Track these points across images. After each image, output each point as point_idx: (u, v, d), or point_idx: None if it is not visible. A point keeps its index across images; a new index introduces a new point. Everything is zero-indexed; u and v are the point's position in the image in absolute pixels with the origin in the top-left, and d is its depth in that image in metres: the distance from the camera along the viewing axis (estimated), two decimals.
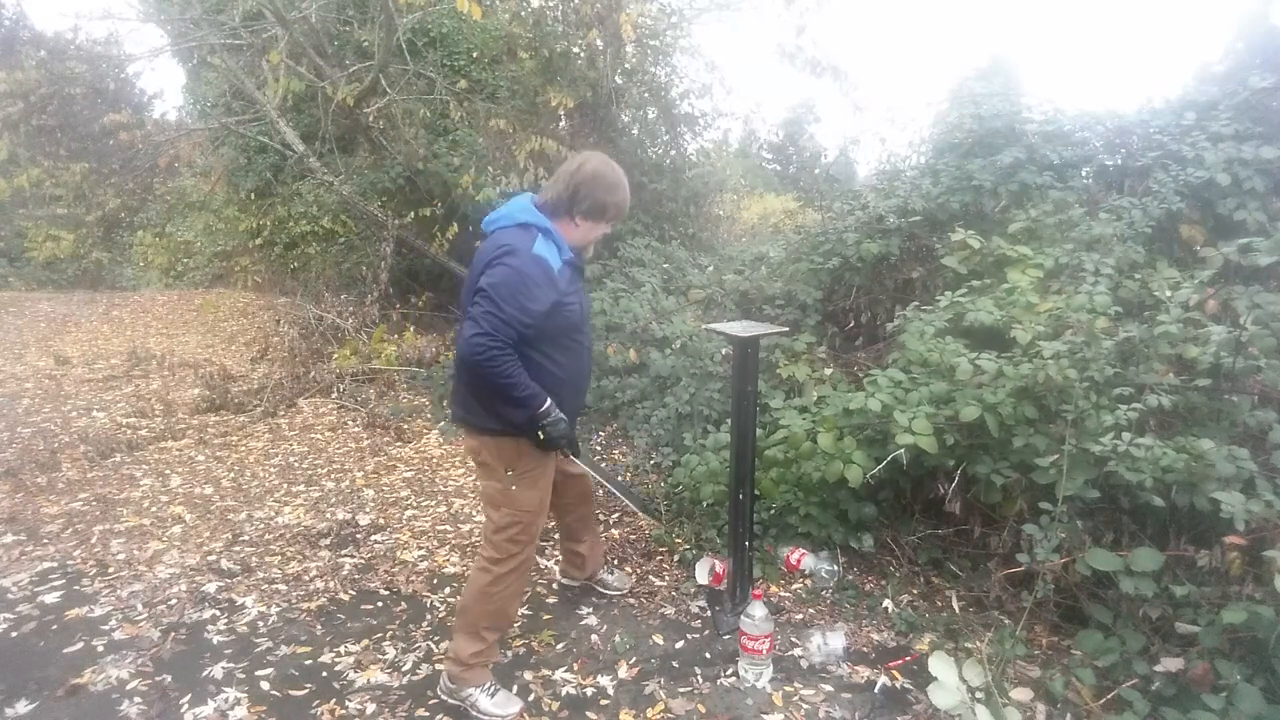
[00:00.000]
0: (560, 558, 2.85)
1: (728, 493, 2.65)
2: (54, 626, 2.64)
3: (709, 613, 2.66)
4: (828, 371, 3.59)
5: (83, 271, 13.27)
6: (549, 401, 1.98)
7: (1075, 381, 2.25)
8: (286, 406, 5.49)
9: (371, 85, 6.17)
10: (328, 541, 3.34)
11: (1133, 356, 2.48)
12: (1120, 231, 3.08)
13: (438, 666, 2.41)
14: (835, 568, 2.78)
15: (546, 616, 2.70)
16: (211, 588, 2.90)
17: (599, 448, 4.46)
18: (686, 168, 7.39)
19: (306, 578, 3.01)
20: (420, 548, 3.28)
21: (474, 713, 2.15)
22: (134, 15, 6.71)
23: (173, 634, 2.59)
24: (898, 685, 2.27)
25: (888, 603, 2.67)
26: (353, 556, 3.20)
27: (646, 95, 7.31)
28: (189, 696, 2.26)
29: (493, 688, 2.18)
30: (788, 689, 2.25)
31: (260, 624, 2.67)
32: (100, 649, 2.50)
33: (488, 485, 2.14)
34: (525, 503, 2.11)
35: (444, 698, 2.22)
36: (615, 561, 3.09)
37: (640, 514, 2.63)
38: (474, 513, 3.67)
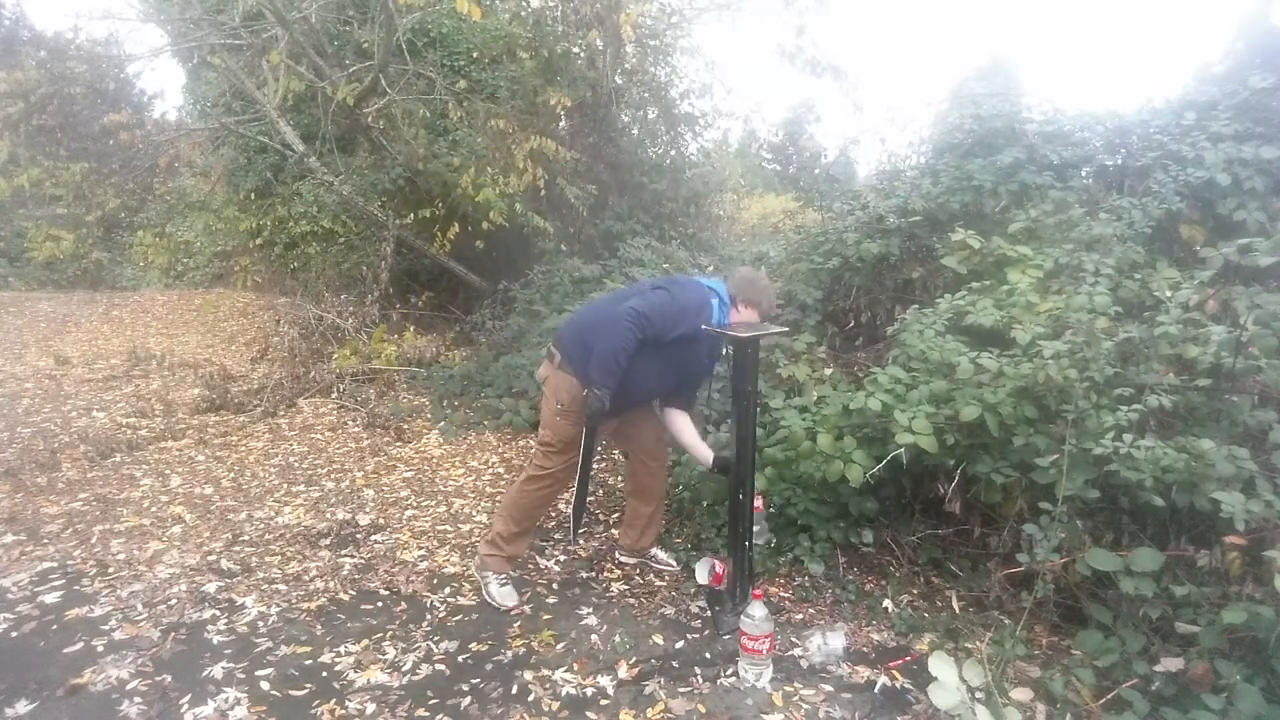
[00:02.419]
0: (625, 518, 3.12)
1: (728, 493, 2.65)
2: (54, 626, 2.64)
3: (709, 613, 2.66)
4: (828, 371, 3.59)
5: (83, 271, 13.25)
6: (609, 389, 2.46)
7: (1075, 381, 2.25)
8: (286, 406, 5.49)
9: (371, 85, 6.17)
10: (328, 541, 3.34)
11: (1133, 356, 2.48)
12: (1120, 231, 3.08)
13: (438, 666, 2.42)
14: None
15: (546, 616, 2.70)
16: (211, 588, 2.90)
17: (599, 447, 4.47)
18: (686, 168, 7.39)
19: (306, 578, 3.00)
20: (420, 548, 3.28)
21: (484, 591, 2.79)
22: (134, 15, 6.71)
23: (173, 634, 2.58)
24: (898, 685, 2.27)
25: (888, 603, 2.67)
26: (353, 556, 3.20)
27: (646, 95, 7.32)
28: (189, 696, 2.25)
29: (504, 579, 2.78)
30: (788, 689, 2.25)
31: (260, 624, 2.66)
32: (100, 649, 2.49)
33: (544, 408, 2.71)
34: (562, 432, 2.63)
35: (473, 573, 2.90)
36: (616, 562, 3.10)
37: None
38: (474, 513, 3.67)
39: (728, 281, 2.70)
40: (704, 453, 2.70)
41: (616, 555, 3.09)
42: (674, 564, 3.02)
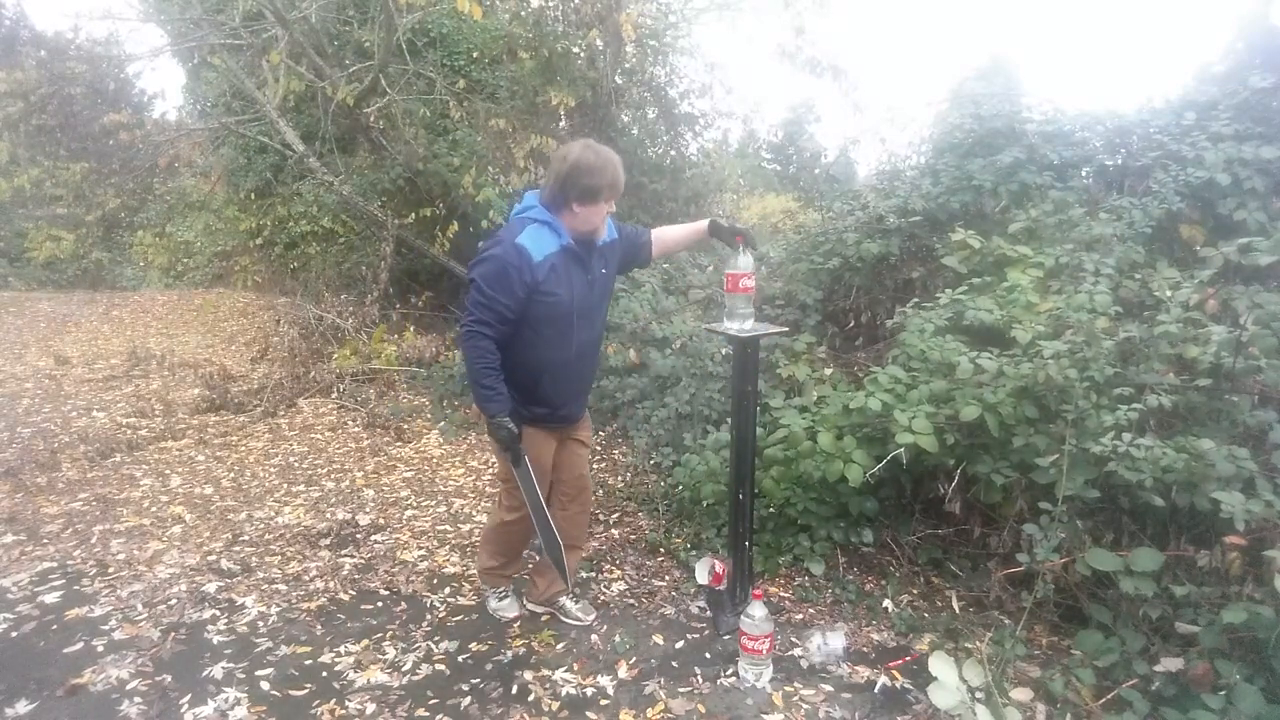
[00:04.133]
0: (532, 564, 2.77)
1: (728, 492, 2.65)
2: (54, 626, 2.64)
3: (709, 613, 2.66)
4: (828, 371, 3.59)
5: (83, 271, 13.25)
6: (501, 407, 2.16)
7: (1075, 381, 2.25)
8: (286, 406, 5.49)
9: (371, 85, 6.18)
10: (328, 541, 3.34)
11: (1133, 356, 2.47)
12: (1120, 231, 3.08)
13: (438, 666, 2.42)
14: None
15: (546, 617, 2.70)
16: (211, 588, 2.90)
17: (599, 447, 4.46)
18: (686, 168, 7.39)
19: (306, 578, 3.00)
20: (420, 548, 3.28)
21: (487, 604, 2.71)
22: (134, 15, 6.72)
23: (173, 634, 2.59)
24: (898, 685, 2.27)
25: (888, 603, 2.66)
26: (353, 556, 3.20)
27: (646, 95, 7.32)
28: (189, 696, 2.25)
29: (503, 593, 2.71)
30: (788, 689, 2.25)
31: (260, 624, 2.66)
32: (100, 649, 2.50)
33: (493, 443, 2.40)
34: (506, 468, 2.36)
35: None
36: (616, 562, 3.10)
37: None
38: (474, 513, 3.67)
39: (542, 187, 2.20)
40: (696, 226, 2.45)
41: (525, 603, 2.73)
42: (585, 619, 2.64)
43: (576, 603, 2.69)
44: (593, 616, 2.67)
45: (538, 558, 2.68)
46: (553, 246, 2.12)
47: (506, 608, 2.69)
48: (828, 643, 2.41)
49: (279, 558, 3.18)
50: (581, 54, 6.52)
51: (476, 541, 3.32)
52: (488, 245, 2.14)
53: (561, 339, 2.21)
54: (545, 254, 2.10)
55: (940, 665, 1.37)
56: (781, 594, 2.78)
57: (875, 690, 2.25)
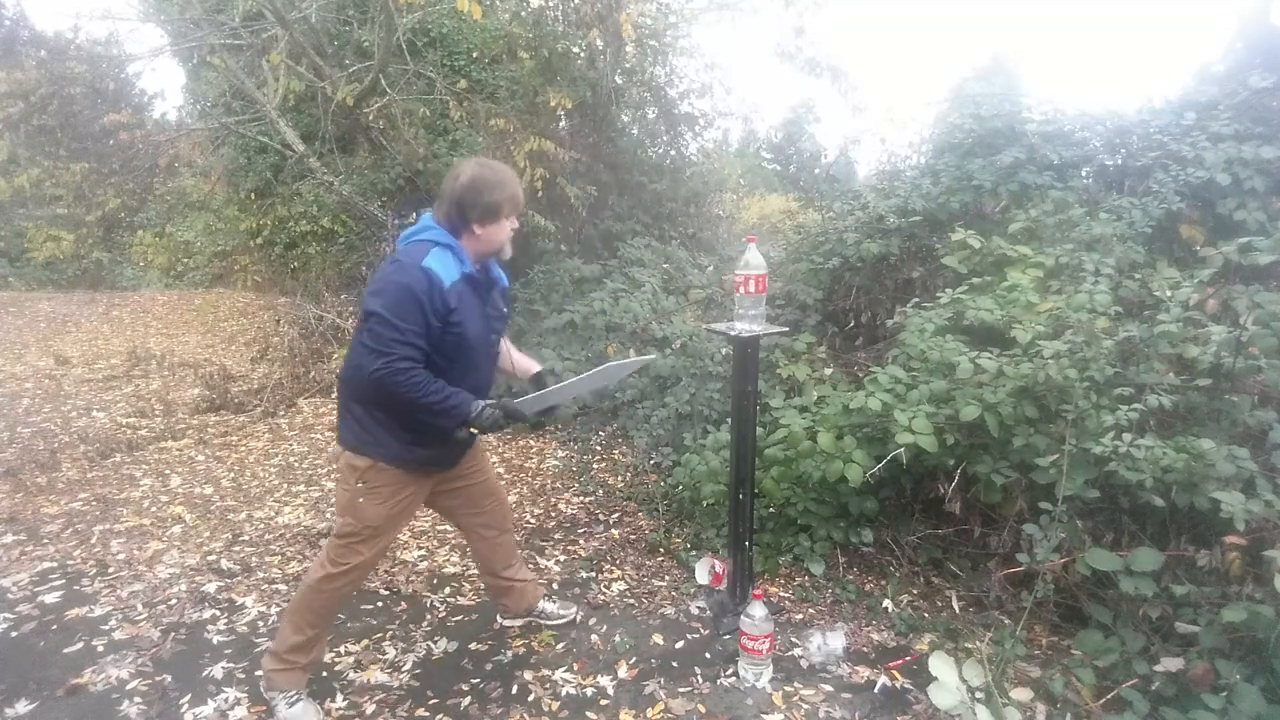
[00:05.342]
0: (489, 591, 2.62)
1: (728, 492, 2.65)
2: (54, 626, 2.64)
3: (709, 613, 2.66)
4: (828, 371, 3.59)
5: (83, 271, 13.26)
6: (474, 402, 1.94)
7: (1075, 381, 2.25)
8: (286, 406, 5.49)
9: (371, 85, 6.17)
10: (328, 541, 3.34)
11: (1133, 356, 2.48)
12: (1120, 231, 3.08)
13: (438, 666, 2.42)
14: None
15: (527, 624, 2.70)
16: (211, 588, 2.90)
17: (599, 447, 4.47)
18: (686, 168, 7.39)
19: None
20: (420, 548, 3.28)
21: (274, 716, 2.13)
22: (134, 15, 6.71)
23: (173, 634, 2.59)
24: (898, 685, 2.27)
25: (888, 603, 2.66)
26: None
27: (646, 95, 7.31)
28: (189, 696, 2.25)
29: (295, 696, 2.14)
30: (788, 689, 2.25)
31: (260, 624, 2.66)
32: (100, 649, 2.50)
33: (339, 491, 2.11)
34: (369, 516, 2.04)
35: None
36: (616, 562, 3.10)
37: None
38: None
39: (436, 209, 2.00)
40: (521, 362, 2.28)
41: (499, 619, 2.65)
42: (567, 614, 2.61)
43: (554, 602, 2.65)
44: (574, 610, 2.65)
45: (507, 575, 2.48)
46: (457, 273, 1.92)
47: (298, 714, 2.11)
48: (828, 643, 2.41)
49: (279, 558, 3.18)
50: (581, 54, 6.51)
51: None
52: (387, 272, 1.88)
53: (464, 377, 1.98)
54: (453, 280, 1.90)
55: (940, 665, 1.37)
56: (781, 594, 2.78)
57: (875, 690, 2.25)
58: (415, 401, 1.87)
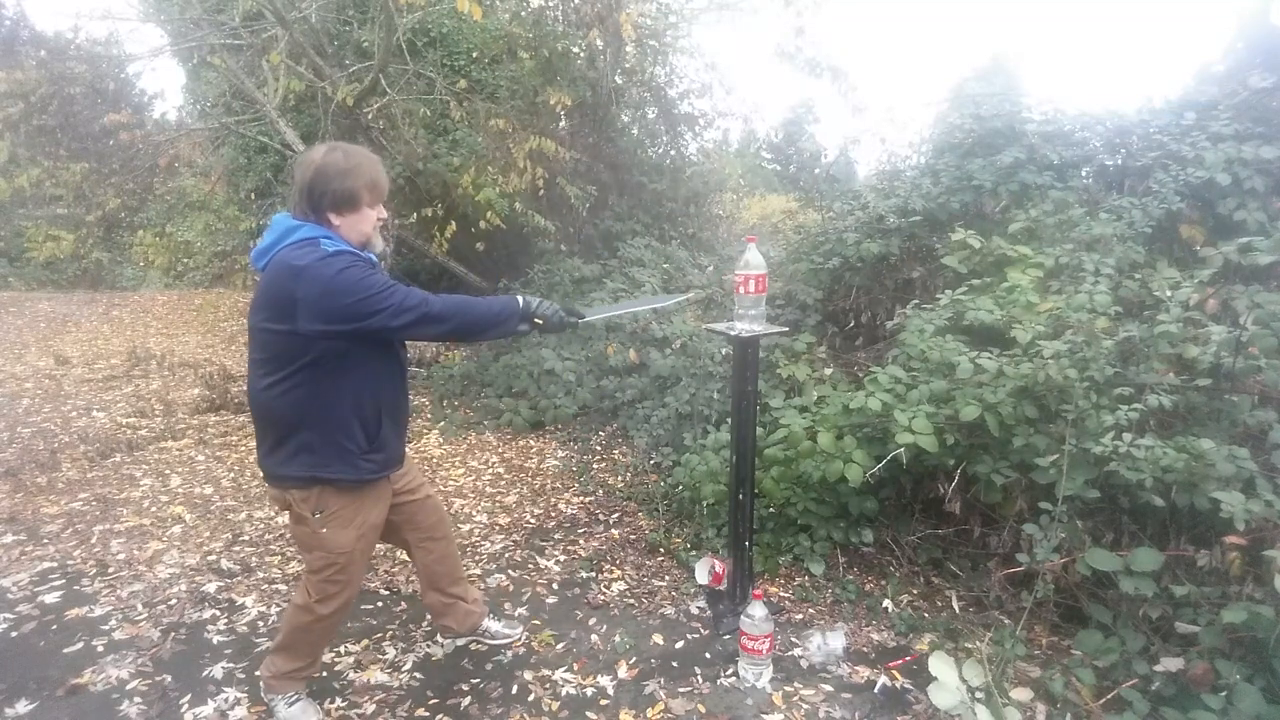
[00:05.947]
0: (431, 611, 2.46)
1: (728, 492, 2.65)
2: (54, 626, 2.64)
3: (709, 613, 2.66)
4: (828, 371, 3.59)
5: (83, 271, 13.26)
6: (518, 296, 1.93)
7: (1075, 381, 2.25)
8: None
9: (371, 85, 6.17)
10: None
11: (1133, 356, 2.48)
12: (1120, 231, 3.08)
13: (438, 666, 2.42)
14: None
15: (546, 616, 2.70)
16: (211, 588, 2.90)
17: (599, 447, 4.47)
18: (686, 167, 7.40)
19: None
20: None
21: (277, 715, 2.14)
22: (134, 15, 6.71)
23: (173, 634, 2.59)
24: (898, 685, 2.27)
25: (888, 603, 2.67)
26: None
27: (646, 95, 7.32)
28: (189, 696, 2.25)
29: (295, 696, 2.15)
30: (788, 689, 2.25)
31: (260, 624, 2.66)
32: (100, 649, 2.50)
33: (297, 530, 1.98)
34: (338, 544, 1.94)
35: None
36: (615, 562, 3.10)
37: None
38: (474, 513, 3.67)
39: (290, 204, 1.87)
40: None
41: (440, 638, 2.55)
42: (513, 633, 2.53)
43: (499, 620, 2.56)
44: (519, 630, 2.55)
45: (453, 592, 2.39)
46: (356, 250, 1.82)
47: (299, 713, 2.14)
48: (828, 643, 2.41)
49: (279, 558, 3.18)
50: (581, 54, 6.52)
51: (477, 541, 3.33)
52: (320, 258, 1.72)
53: (390, 370, 1.93)
54: (358, 251, 1.81)
55: (940, 665, 1.37)
56: (781, 594, 2.78)
57: (875, 690, 2.25)
58: (464, 312, 1.84)
